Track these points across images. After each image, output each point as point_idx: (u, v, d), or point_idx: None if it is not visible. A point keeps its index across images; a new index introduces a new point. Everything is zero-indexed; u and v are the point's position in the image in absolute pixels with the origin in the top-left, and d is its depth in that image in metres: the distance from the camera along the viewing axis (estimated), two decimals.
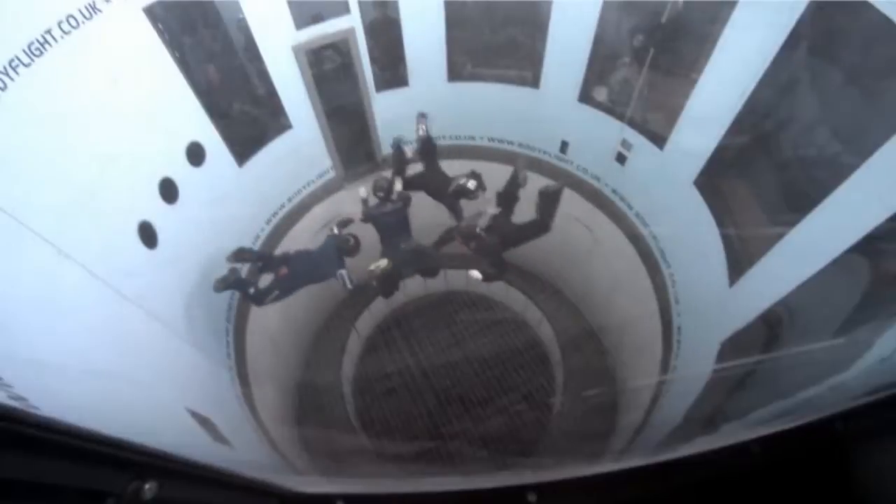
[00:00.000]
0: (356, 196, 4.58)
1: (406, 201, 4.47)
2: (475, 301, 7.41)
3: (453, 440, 5.93)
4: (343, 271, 4.11)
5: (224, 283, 3.91)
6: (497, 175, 4.46)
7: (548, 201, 4.23)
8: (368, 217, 4.42)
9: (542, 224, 4.26)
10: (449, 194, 4.49)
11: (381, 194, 4.38)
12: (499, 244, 4.32)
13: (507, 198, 4.38)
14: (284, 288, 4.13)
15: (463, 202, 4.61)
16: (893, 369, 2.10)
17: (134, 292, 3.05)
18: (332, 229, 4.33)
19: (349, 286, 4.17)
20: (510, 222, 4.35)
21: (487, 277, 4.89)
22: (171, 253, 3.58)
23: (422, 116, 4.73)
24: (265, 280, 4.19)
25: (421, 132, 4.68)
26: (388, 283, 4.82)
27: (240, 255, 4.09)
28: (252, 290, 4.08)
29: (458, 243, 4.28)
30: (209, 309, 4.19)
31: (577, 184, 5.36)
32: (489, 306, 7.34)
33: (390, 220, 4.41)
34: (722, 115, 3.56)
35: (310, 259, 4.21)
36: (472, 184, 4.31)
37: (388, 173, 4.72)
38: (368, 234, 4.44)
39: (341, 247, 4.13)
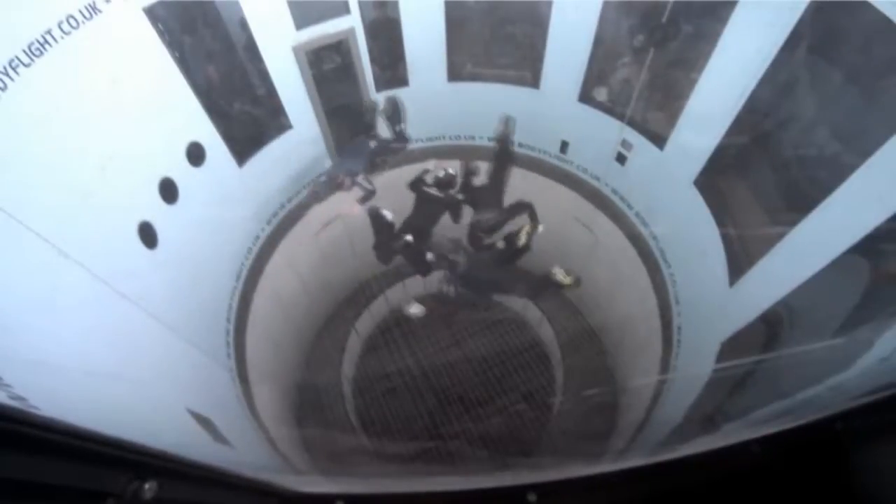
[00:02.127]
0: (356, 196, 4.58)
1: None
2: (475, 301, 7.39)
3: (453, 440, 5.92)
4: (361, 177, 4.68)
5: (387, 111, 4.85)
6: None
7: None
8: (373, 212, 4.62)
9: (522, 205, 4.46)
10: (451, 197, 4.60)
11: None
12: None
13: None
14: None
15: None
16: (893, 369, 2.10)
17: (134, 292, 3.05)
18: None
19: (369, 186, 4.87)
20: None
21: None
22: (171, 253, 3.58)
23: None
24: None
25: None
26: (417, 257, 4.88)
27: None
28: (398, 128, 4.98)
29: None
30: (209, 309, 4.19)
31: (577, 184, 5.35)
32: (489, 306, 7.32)
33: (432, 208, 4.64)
34: (722, 115, 3.56)
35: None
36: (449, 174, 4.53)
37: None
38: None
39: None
